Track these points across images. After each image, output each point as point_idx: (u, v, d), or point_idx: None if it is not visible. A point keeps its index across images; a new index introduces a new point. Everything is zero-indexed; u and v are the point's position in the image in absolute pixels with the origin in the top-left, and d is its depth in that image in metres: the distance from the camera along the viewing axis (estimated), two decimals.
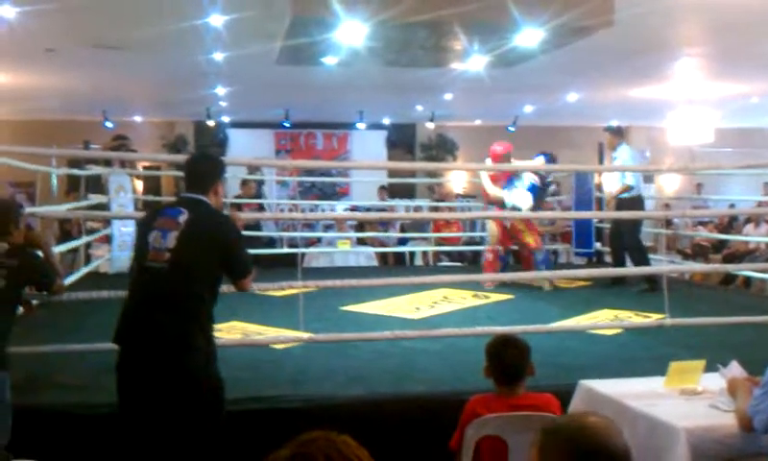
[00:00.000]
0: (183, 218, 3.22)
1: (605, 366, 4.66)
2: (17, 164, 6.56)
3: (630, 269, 7.63)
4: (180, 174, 13.32)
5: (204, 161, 3.59)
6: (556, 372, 4.40)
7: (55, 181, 11.77)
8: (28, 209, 5.63)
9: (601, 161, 10.67)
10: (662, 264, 8.46)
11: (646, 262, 7.71)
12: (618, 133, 8.12)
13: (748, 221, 11.89)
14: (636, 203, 7.70)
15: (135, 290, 3.26)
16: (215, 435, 3.22)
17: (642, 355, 4.99)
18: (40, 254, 3.97)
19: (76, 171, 8.73)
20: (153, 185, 14.36)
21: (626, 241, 7.77)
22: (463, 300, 7.24)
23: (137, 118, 15.19)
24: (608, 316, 6.42)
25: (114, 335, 3.21)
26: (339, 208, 13.89)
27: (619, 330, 5.71)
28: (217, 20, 7.03)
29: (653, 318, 5.71)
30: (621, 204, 7.67)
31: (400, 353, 5.04)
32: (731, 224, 12.82)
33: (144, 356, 3.13)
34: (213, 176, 3.42)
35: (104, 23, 7.42)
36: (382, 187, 13.06)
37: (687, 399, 3.25)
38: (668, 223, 12.27)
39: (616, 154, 8.00)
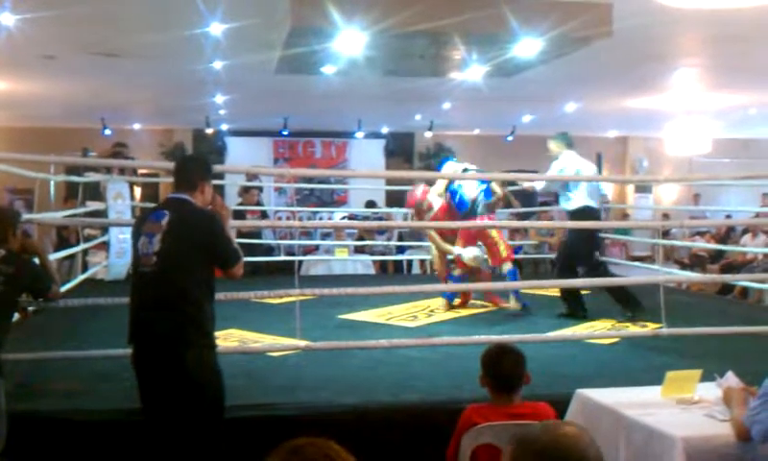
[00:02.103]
0: (165, 220, 3.34)
1: (602, 375, 4.66)
2: (16, 171, 6.56)
3: (629, 278, 7.59)
4: None
5: (190, 162, 3.80)
6: (553, 381, 4.40)
7: (53, 189, 11.77)
8: (26, 216, 5.63)
9: (599, 171, 10.71)
10: (659, 274, 8.45)
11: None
12: (563, 142, 6.98)
13: (745, 231, 11.91)
14: (586, 216, 6.66)
15: (134, 294, 3.44)
16: (216, 428, 3.29)
17: (639, 365, 4.99)
18: (37, 261, 3.97)
19: (74, 178, 8.73)
20: (151, 192, 14.36)
21: (582, 263, 6.80)
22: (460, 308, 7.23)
23: (136, 126, 15.18)
24: (604, 325, 6.42)
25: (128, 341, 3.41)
26: (336, 216, 13.89)
27: (616, 340, 5.72)
28: (216, 29, 7.03)
29: (650, 327, 5.71)
30: (571, 217, 6.81)
31: (397, 362, 5.04)
32: (728, 234, 12.84)
33: (146, 355, 3.32)
34: (199, 175, 3.53)
35: (103, 31, 7.42)
36: (370, 203, 12.96)
37: (684, 408, 3.25)
38: (666, 233, 12.27)
39: (555, 163, 6.94)
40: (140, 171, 13.54)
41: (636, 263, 11.94)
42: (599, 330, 6.19)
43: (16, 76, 9.84)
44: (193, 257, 3.32)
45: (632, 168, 17.32)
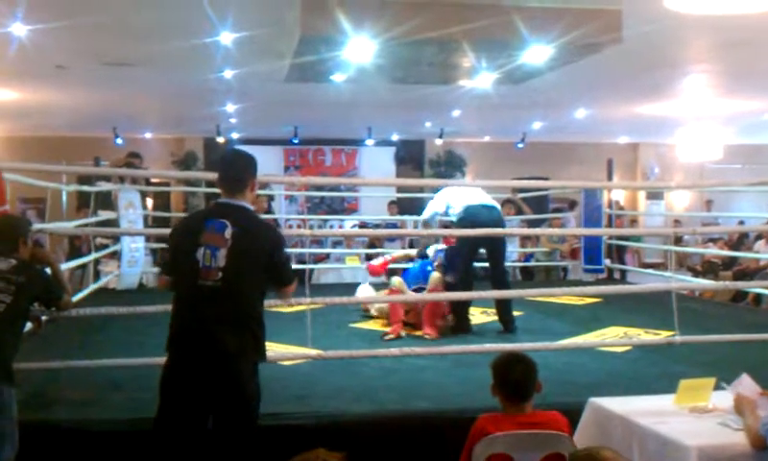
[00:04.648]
0: (230, 233, 3.22)
1: (614, 383, 4.63)
2: (28, 181, 6.59)
3: (641, 286, 7.53)
4: (190, 189, 13.30)
5: (240, 160, 3.54)
6: (565, 389, 4.38)
7: (65, 198, 11.84)
8: (38, 226, 5.67)
9: (610, 178, 10.67)
10: (672, 281, 8.40)
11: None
12: None
13: (758, 238, 11.84)
14: (464, 224, 6.46)
15: (189, 307, 3.26)
16: (253, 440, 3.28)
17: (652, 373, 4.97)
18: (48, 270, 3.99)
19: (86, 187, 8.76)
20: (162, 202, 14.42)
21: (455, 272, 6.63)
22: (471, 316, 7.20)
23: (147, 135, 15.27)
24: (617, 333, 6.39)
25: (168, 350, 3.26)
26: (347, 224, 13.90)
27: (629, 348, 5.68)
28: (227, 38, 7.07)
29: (663, 335, 5.67)
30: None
31: (408, 370, 5.03)
32: (741, 241, 12.76)
33: (200, 368, 3.17)
34: (249, 174, 3.45)
35: (114, 40, 7.47)
36: (392, 202, 13.06)
37: (698, 416, 3.23)
38: (678, 240, 12.20)
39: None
40: (152, 180, 13.60)
41: (649, 270, 11.89)
42: (611, 338, 6.16)
43: (29, 86, 9.91)
44: (259, 275, 3.30)
45: (643, 175, 17.28)
